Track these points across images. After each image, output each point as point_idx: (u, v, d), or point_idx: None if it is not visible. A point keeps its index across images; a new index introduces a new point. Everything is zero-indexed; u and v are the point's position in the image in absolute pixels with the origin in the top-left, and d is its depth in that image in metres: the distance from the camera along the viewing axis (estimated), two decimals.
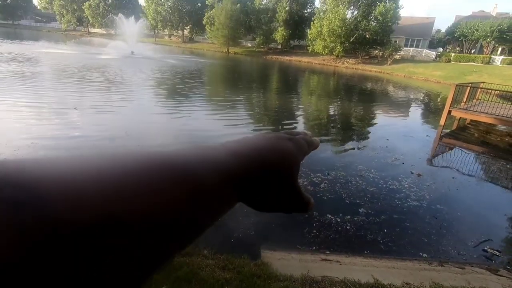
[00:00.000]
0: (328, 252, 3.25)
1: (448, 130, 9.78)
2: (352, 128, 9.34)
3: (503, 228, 4.22)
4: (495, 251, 3.54)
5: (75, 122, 6.89)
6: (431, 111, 14.02)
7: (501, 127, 10.20)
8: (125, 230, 0.15)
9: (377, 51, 39.10)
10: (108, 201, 0.15)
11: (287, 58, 43.43)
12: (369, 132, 9.05)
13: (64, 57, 19.65)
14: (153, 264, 0.17)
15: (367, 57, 39.69)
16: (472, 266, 3.19)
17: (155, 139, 6.34)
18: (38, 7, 76.33)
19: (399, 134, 8.91)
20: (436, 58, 37.80)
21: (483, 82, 13.28)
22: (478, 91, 11.51)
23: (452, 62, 35.14)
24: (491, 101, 9.58)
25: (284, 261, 2.89)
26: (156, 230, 0.17)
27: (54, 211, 0.13)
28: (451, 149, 8.01)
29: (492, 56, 34.56)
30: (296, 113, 10.80)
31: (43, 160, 0.17)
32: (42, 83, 10.92)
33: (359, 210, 4.17)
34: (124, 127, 6.84)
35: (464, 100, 10.37)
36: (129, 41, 29.89)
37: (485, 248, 3.60)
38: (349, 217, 3.96)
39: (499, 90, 10.80)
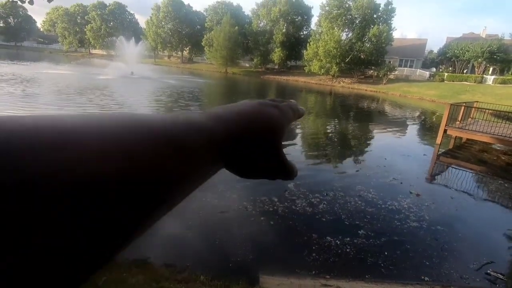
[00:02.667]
0: (328, 276, 3.18)
1: (445, 149, 9.85)
2: (349, 147, 9.39)
3: (505, 249, 4.16)
4: (498, 275, 3.47)
5: None
6: (428, 129, 14.18)
7: (497, 146, 10.30)
8: (101, 190, 0.14)
9: (372, 71, 40.05)
10: (87, 159, 0.14)
11: (284, 78, 44.30)
12: (367, 151, 9.10)
13: (64, 77, 19.93)
14: (143, 221, 0.17)
15: (363, 76, 40.59)
16: None
17: None
18: (41, 29, 78.36)
19: (397, 153, 8.95)
20: (429, 77, 38.71)
21: (477, 102, 13.54)
22: (473, 110, 11.71)
23: (445, 81, 35.96)
24: (486, 119, 9.73)
25: (283, 287, 2.81)
26: (139, 188, 0.16)
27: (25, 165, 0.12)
28: (448, 168, 8.03)
29: (484, 75, 35.45)
30: (292, 133, 10.88)
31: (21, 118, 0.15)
32: (41, 103, 11.00)
33: (359, 231, 4.11)
34: None
35: (459, 119, 10.52)
36: (129, 62, 30.47)
37: (488, 271, 3.53)
38: (348, 239, 3.90)
39: (493, 110, 11.00)
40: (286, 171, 0.29)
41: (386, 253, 3.70)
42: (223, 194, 4.87)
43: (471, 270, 3.56)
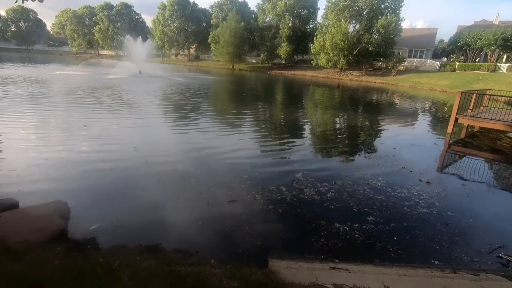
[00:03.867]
0: (337, 260, 3.19)
1: (456, 138, 9.66)
2: (358, 138, 9.31)
3: None
4: (510, 258, 3.42)
5: (85, 139, 7.05)
6: (438, 120, 13.90)
7: (511, 134, 10.04)
8: None
9: (380, 63, 39.35)
10: None
11: (291, 72, 43.99)
12: (376, 142, 9.00)
13: (74, 78, 20.33)
14: None
15: (371, 69, 39.94)
16: (487, 273, 3.09)
17: (163, 156, 6.42)
18: (51, 32, 79.79)
19: (406, 143, 8.83)
20: (440, 67, 37.80)
21: (489, 89, 13.18)
22: (485, 98, 11.42)
23: (457, 71, 35.05)
24: (499, 107, 9.48)
25: (292, 270, 2.85)
26: None
27: None
28: (460, 156, 7.88)
29: (498, 64, 34.38)
30: (302, 126, 10.84)
31: None
32: (53, 103, 11.28)
33: (368, 218, 4.11)
34: (132, 143, 6.96)
35: (471, 107, 10.28)
36: (137, 61, 30.80)
37: (500, 254, 3.49)
38: (357, 225, 3.90)
39: (507, 96, 10.70)
40: None
41: (395, 238, 3.69)
42: (231, 185, 4.92)
43: (482, 254, 3.52)
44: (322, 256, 3.27)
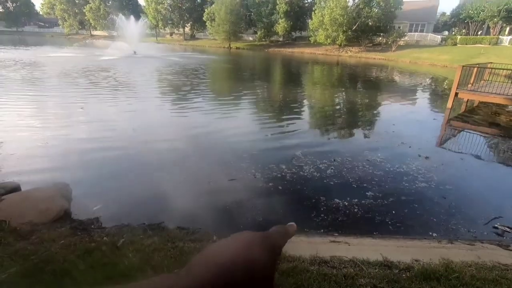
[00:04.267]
0: (336, 234, 3.27)
1: (456, 113, 9.62)
2: (357, 116, 9.27)
3: None
4: (506, 228, 3.51)
5: (82, 121, 7.00)
6: (438, 95, 13.79)
7: (510, 108, 10.00)
8: None
9: (380, 38, 38.43)
10: None
11: (290, 50, 43.06)
12: (375, 119, 8.97)
13: (68, 60, 19.87)
14: None
15: (371, 44, 39.08)
16: (483, 242, 3.17)
17: (162, 136, 6.40)
18: (41, 13, 77.02)
19: (406, 119, 8.81)
20: (441, 42, 37.01)
21: (491, 63, 12.97)
22: (486, 72, 11.26)
23: (458, 45, 34.36)
24: (499, 81, 9.37)
25: (292, 244, 2.91)
26: None
27: None
28: (459, 131, 7.89)
29: (500, 36, 33.65)
30: (301, 104, 10.75)
31: None
32: (48, 86, 11.09)
33: (367, 193, 4.16)
34: (131, 124, 6.92)
35: (471, 81, 10.17)
36: (130, 42, 30.00)
37: (496, 225, 3.57)
38: (356, 200, 3.96)
39: (508, 69, 10.55)
40: None
41: (393, 212, 3.76)
42: (231, 164, 4.95)
43: (479, 225, 3.61)
44: (322, 231, 3.35)
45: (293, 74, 20.95)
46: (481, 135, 7.43)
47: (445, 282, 2.26)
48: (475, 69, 10.09)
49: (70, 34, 69.44)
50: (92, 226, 3.13)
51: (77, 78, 12.98)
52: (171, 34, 64.82)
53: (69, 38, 61.33)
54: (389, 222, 3.55)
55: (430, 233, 3.40)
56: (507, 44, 31.73)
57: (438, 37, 37.80)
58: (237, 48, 46.94)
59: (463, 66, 9.36)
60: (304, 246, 2.88)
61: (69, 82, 12.13)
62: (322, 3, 38.30)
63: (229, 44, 47.79)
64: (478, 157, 5.89)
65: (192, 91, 11.62)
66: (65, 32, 70.43)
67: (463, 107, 10.15)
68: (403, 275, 2.38)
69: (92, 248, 2.56)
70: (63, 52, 26.39)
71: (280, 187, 4.24)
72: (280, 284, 2.17)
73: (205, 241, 2.87)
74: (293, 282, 2.20)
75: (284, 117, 8.52)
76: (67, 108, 8.05)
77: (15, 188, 3.73)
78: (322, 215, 3.63)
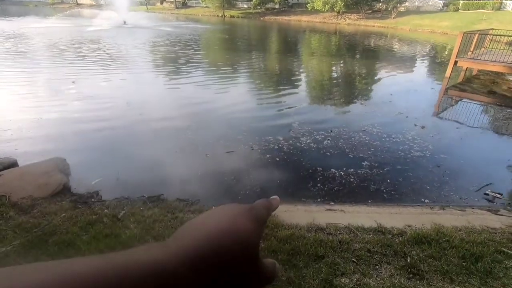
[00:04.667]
0: (332, 203, 3.36)
1: (454, 82, 9.53)
2: (354, 86, 9.15)
3: (507, 173, 4.26)
4: (496, 194, 3.61)
5: (75, 96, 6.85)
6: (437, 64, 13.56)
7: (510, 77, 9.90)
8: None
9: (380, 4, 36.93)
10: None
11: (286, 18, 41.40)
12: (373, 89, 8.88)
13: (55, 31, 19.01)
14: None
15: (370, 11, 37.62)
16: (473, 208, 3.29)
17: (157, 109, 6.31)
18: None
19: (403, 89, 8.72)
20: (443, 7, 35.70)
21: (492, 29, 12.63)
22: (487, 39, 11.00)
23: (460, 10, 33.21)
24: (501, 49, 9.19)
25: (290, 213, 3.00)
26: None
27: None
28: (456, 100, 7.86)
29: (504, 1, 32.47)
30: (298, 75, 10.55)
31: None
32: (37, 59, 10.71)
33: (363, 163, 4.22)
34: (124, 97, 6.79)
35: (472, 49, 9.96)
36: (119, 11, 28.59)
37: (487, 191, 3.68)
38: (352, 170, 4.02)
39: (510, 36, 10.30)
40: (264, 279, 0.29)
41: (388, 180, 3.84)
42: (228, 136, 4.94)
43: (471, 192, 3.71)
44: (319, 200, 3.43)
45: (290, 44, 20.33)
46: (478, 104, 7.42)
47: (436, 245, 2.37)
48: (476, 36, 9.84)
49: (55, 3, 65.80)
50: (92, 199, 3.18)
51: (66, 51, 12.50)
52: (161, 2, 61.65)
53: (54, 8, 58.21)
54: (384, 191, 3.64)
55: (424, 200, 3.51)
56: (510, 9, 30.73)
57: (440, 2, 36.39)
58: (231, 16, 45.03)
59: (464, 33, 9.11)
60: (301, 215, 2.96)
61: (57, 55, 11.69)
62: None
63: (223, 13, 45.76)
64: (474, 126, 5.93)
65: (187, 64, 11.30)
66: (49, 1, 66.73)
67: (461, 76, 10.03)
68: (396, 240, 2.48)
69: (93, 220, 2.61)
70: (48, 22, 25.15)
71: (277, 159, 4.27)
72: (278, 250, 2.26)
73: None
74: (290, 248, 2.29)
75: (281, 88, 8.39)
76: (58, 83, 7.83)
77: (13, 164, 3.73)
78: (319, 185, 3.70)
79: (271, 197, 0.36)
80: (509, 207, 3.37)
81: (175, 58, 12.22)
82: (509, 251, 2.32)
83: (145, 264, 0.22)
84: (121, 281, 0.21)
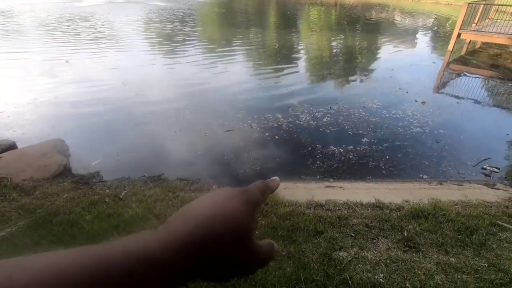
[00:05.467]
0: (331, 180, 3.39)
1: (456, 56, 9.33)
2: (355, 61, 8.96)
3: (505, 147, 4.28)
4: (494, 168, 3.65)
5: (69, 75, 6.71)
6: (440, 37, 13.20)
7: None
8: None
9: None
10: None
11: None
12: (373, 64, 8.70)
13: (43, 8, 18.29)
14: None
15: None
16: (470, 182, 3.33)
17: (154, 89, 6.20)
18: None
19: (404, 63, 8.55)
20: None
21: None
22: (492, 10, 10.63)
23: None
24: (506, 19, 8.91)
25: (289, 190, 3.04)
26: None
27: None
28: (458, 75, 7.74)
29: None
30: (297, 51, 10.29)
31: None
32: (28, 38, 10.38)
33: (362, 140, 4.22)
34: (120, 77, 6.65)
35: (476, 21, 9.65)
36: None
37: (484, 166, 3.71)
38: (351, 147, 4.03)
39: None
40: (260, 260, 0.29)
41: (387, 157, 3.86)
42: (227, 115, 4.90)
43: (468, 166, 3.74)
44: (318, 177, 3.46)
45: (289, 18, 19.68)
46: (480, 78, 7.31)
47: (432, 219, 2.42)
48: (481, 6, 9.49)
49: None
50: (94, 180, 3.20)
51: (57, 29, 12.09)
52: None
53: None
54: (383, 167, 3.67)
55: (422, 176, 3.54)
56: None
57: None
58: None
59: (468, 4, 8.78)
60: (301, 192, 3.00)
61: (48, 34, 11.32)
62: None
63: None
64: (474, 100, 5.87)
65: (183, 41, 10.98)
66: None
67: (464, 49, 9.81)
68: (394, 215, 2.54)
69: (96, 200, 2.65)
70: None
71: (276, 137, 4.27)
72: (278, 227, 2.31)
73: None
74: (290, 224, 2.34)
75: (280, 65, 8.22)
76: (51, 63, 7.64)
77: (12, 146, 3.72)
78: (318, 162, 3.72)
79: (271, 178, 0.36)
80: (505, 181, 3.41)
81: (171, 35, 11.86)
82: (503, 224, 2.37)
83: (133, 253, 0.22)
84: (107, 272, 0.20)
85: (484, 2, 9.78)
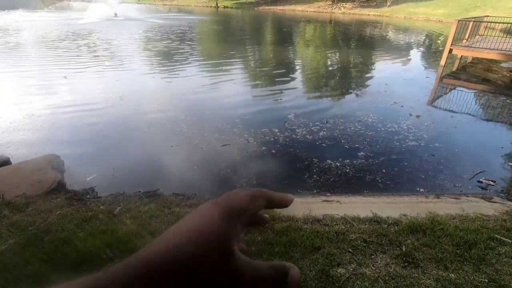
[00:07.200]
0: (328, 194, 3.37)
1: (449, 71, 9.53)
2: (350, 76, 9.11)
3: (500, 160, 4.31)
4: (490, 182, 3.66)
5: (67, 91, 6.74)
6: (432, 52, 13.53)
7: (504, 64, 9.92)
8: None
9: None
10: None
11: (280, 8, 40.86)
12: (368, 79, 8.85)
13: (45, 25, 18.58)
14: None
15: (365, 0, 37.28)
16: (467, 196, 3.32)
17: (150, 104, 6.23)
18: None
19: (398, 78, 8.71)
20: None
21: (487, 16, 12.59)
22: (481, 27, 10.97)
23: None
24: (495, 36, 9.18)
25: None
26: None
27: None
28: (451, 89, 7.88)
29: None
30: (293, 66, 10.47)
31: None
32: (27, 54, 10.49)
33: (358, 153, 4.23)
34: (117, 92, 6.69)
35: (466, 37, 9.94)
36: (110, 3, 27.97)
37: (480, 179, 3.72)
38: (348, 161, 4.04)
39: (504, 23, 10.29)
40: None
41: (383, 170, 3.86)
42: (223, 129, 4.91)
43: (464, 180, 3.75)
44: (315, 191, 3.44)
45: (285, 35, 20.12)
46: (472, 92, 7.44)
47: (431, 233, 2.40)
48: (471, 23, 9.80)
49: None
50: (88, 196, 3.16)
51: (56, 46, 12.24)
52: None
53: (43, 0, 56.81)
54: (380, 181, 3.66)
55: (418, 189, 3.54)
56: None
57: None
58: (224, 7, 44.32)
59: (458, 21, 9.07)
60: (298, 206, 2.97)
61: (47, 50, 11.45)
62: None
63: (216, 3, 45.03)
64: (468, 114, 5.96)
65: (181, 58, 11.15)
66: None
67: (456, 64, 10.03)
68: (392, 229, 2.51)
69: (89, 216, 2.60)
70: (37, 16, 24.56)
71: (273, 151, 4.27)
72: (274, 243, 2.27)
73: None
74: (287, 240, 2.31)
75: (276, 80, 8.33)
76: (50, 78, 7.69)
77: (5, 162, 3.68)
78: (315, 176, 3.71)
79: (284, 193, 0.32)
80: (502, 194, 3.41)
81: (168, 52, 12.04)
82: (502, 238, 2.36)
83: None
84: None
85: (473, 19, 10.11)
